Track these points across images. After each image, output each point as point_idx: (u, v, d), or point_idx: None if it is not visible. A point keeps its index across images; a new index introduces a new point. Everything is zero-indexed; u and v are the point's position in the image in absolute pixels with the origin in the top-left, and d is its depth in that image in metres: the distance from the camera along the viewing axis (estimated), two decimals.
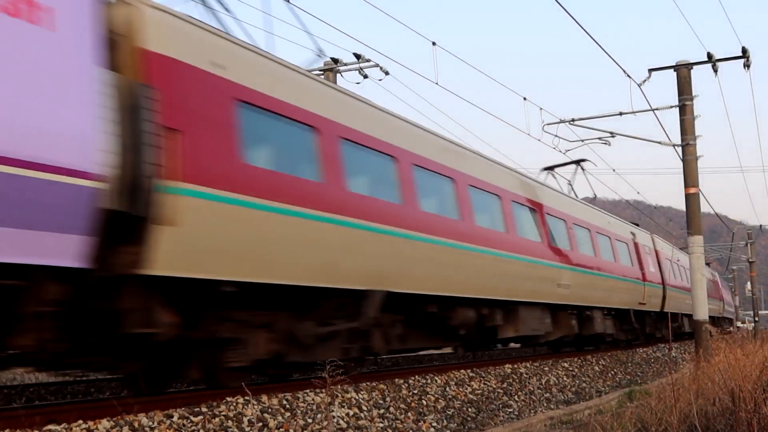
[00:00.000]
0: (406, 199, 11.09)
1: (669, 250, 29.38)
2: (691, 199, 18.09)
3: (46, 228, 5.93)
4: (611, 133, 20.37)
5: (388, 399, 9.65)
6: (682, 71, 18.51)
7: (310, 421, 7.93)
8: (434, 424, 9.41)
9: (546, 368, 15.18)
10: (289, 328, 9.22)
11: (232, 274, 7.86)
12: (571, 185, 23.45)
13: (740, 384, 7.09)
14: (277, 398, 8.18)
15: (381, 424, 8.72)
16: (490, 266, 13.38)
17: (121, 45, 7.13)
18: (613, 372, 18.22)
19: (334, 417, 8.14)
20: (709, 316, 20.91)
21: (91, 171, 6.22)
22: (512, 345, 21.32)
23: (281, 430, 7.52)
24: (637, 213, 58.67)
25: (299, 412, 8.06)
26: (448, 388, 11.19)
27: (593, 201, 24.37)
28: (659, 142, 19.08)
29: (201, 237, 7.43)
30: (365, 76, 21.21)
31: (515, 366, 14.25)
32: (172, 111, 7.27)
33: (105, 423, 6.36)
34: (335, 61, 21.43)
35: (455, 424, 9.74)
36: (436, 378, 11.40)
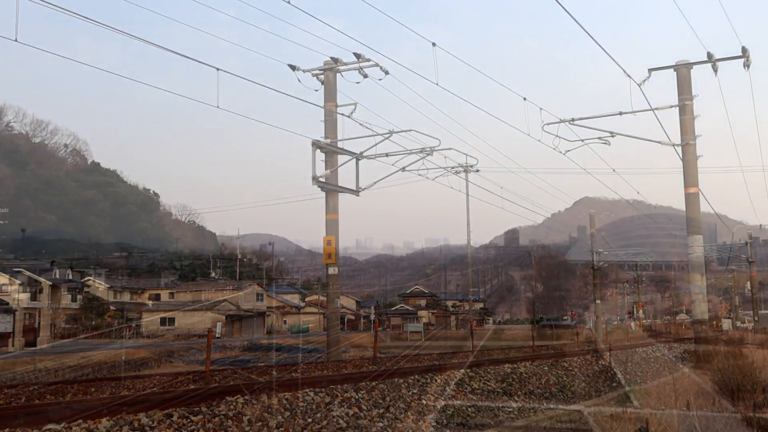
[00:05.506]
0: None
1: None
2: (691, 199, 18.11)
3: None
4: (611, 132, 20.37)
5: (388, 399, 9.65)
6: (682, 71, 18.53)
7: (310, 420, 7.93)
8: (434, 424, 9.41)
9: (546, 368, 15.17)
10: None
11: None
12: None
13: (740, 384, 7.09)
14: (277, 398, 8.17)
15: (381, 424, 8.72)
16: None
17: None
18: (612, 372, 18.22)
19: (333, 417, 8.14)
20: None
21: None
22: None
23: (281, 430, 7.52)
24: (637, 213, 58.68)
25: (299, 412, 8.05)
26: (448, 388, 11.18)
27: None
28: (659, 142, 19.08)
29: None
30: (365, 76, 21.21)
31: (515, 366, 14.24)
32: None
33: (105, 423, 6.36)
34: (335, 60, 21.43)
35: (455, 424, 9.73)
36: (436, 378, 11.40)
